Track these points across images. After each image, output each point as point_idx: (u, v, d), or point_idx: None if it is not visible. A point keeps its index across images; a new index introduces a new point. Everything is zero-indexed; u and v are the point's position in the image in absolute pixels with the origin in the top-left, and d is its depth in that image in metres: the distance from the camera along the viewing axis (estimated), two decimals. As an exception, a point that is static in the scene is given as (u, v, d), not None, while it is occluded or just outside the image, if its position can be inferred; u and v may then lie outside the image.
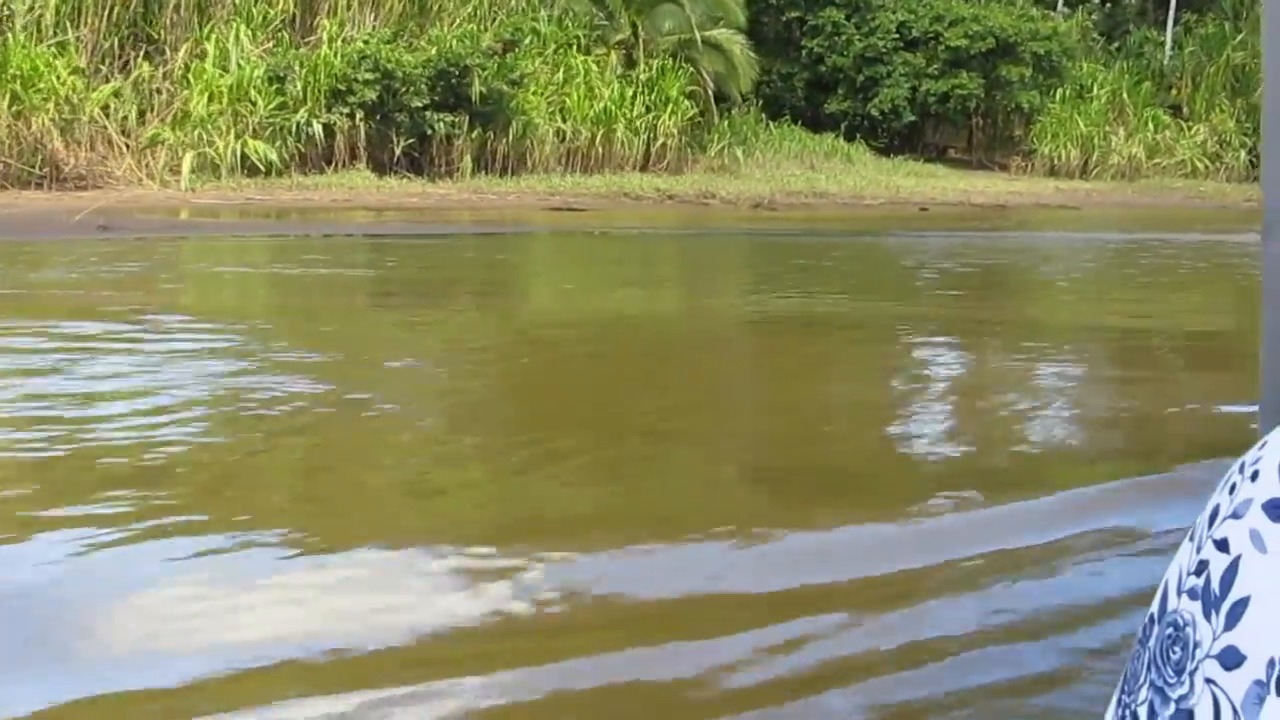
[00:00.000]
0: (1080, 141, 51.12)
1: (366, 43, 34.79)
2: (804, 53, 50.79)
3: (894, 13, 50.52)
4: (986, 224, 32.69)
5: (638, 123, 42.07)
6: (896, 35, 50.29)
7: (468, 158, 35.88)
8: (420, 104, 35.11)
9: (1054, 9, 58.77)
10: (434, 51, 35.60)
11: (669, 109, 42.41)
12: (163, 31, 34.23)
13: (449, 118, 35.53)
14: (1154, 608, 0.86)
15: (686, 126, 43.19)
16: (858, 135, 50.34)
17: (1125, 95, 52.23)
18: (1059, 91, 51.98)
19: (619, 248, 23.29)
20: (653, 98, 42.57)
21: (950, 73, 50.27)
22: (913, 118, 50.80)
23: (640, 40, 43.85)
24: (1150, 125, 51.91)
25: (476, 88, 35.74)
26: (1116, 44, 58.99)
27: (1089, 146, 51.22)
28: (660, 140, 42.34)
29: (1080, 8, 60.38)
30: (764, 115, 50.56)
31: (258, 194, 31.03)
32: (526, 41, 41.00)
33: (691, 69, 44.39)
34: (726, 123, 45.31)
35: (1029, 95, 50.94)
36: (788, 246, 23.65)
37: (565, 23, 42.55)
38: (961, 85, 49.84)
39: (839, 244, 24.36)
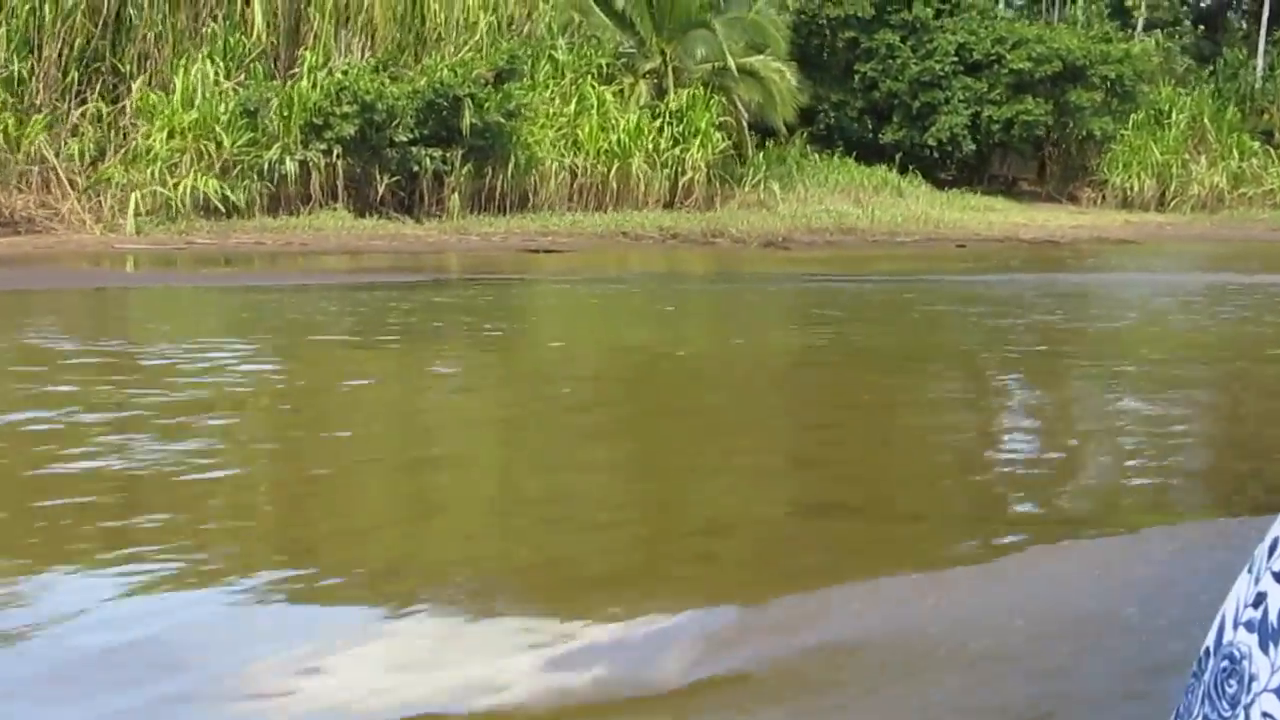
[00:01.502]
0: (1156, 171, 47.34)
1: (345, 73, 32.26)
2: (857, 78, 47.56)
3: (953, 34, 47.13)
4: (1018, 262, 29.38)
5: (664, 156, 39.22)
6: (955, 58, 46.91)
7: (456, 196, 33.23)
8: (406, 138, 32.53)
9: (1134, 32, 55.14)
10: (423, 82, 33.01)
11: (697, 141, 39.47)
12: (129, 64, 31.97)
13: (438, 153, 32.89)
14: (1209, 641, 0.84)
15: (718, 160, 40.21)
16: (913, 167, 47.00)
17: (1207, 120, 48.27)
18: (1133, 117, 48.27)
19: (536, 300, 20.38)
20: (681, 129, 39.67)
21: (1015, 98, 46.80)
22: (974, 147, 47.38)
23: (670, 68, 40.99)
24: (1236, 152, 47.93)
25: (467, 120, 33.08)
26: (1211, 69, 55.01)
27: (1166, 176, 47.41)
28: (689, 175, 39.43)
29: (1164, 30, 56.48)
30: (812, 147, 47.60)
31: (209, 238, 28.63)
32: (543, 70, 38.33)
33: (725, 99, 41.49)
34: (762, 155, 42.18)
35: (1101, 122, 47.29)
36: (756, 300, 20.63)
37: (586, 51, 39.81)
38: (1026, 111, 46.33)
39: (827, 292, 21.25)
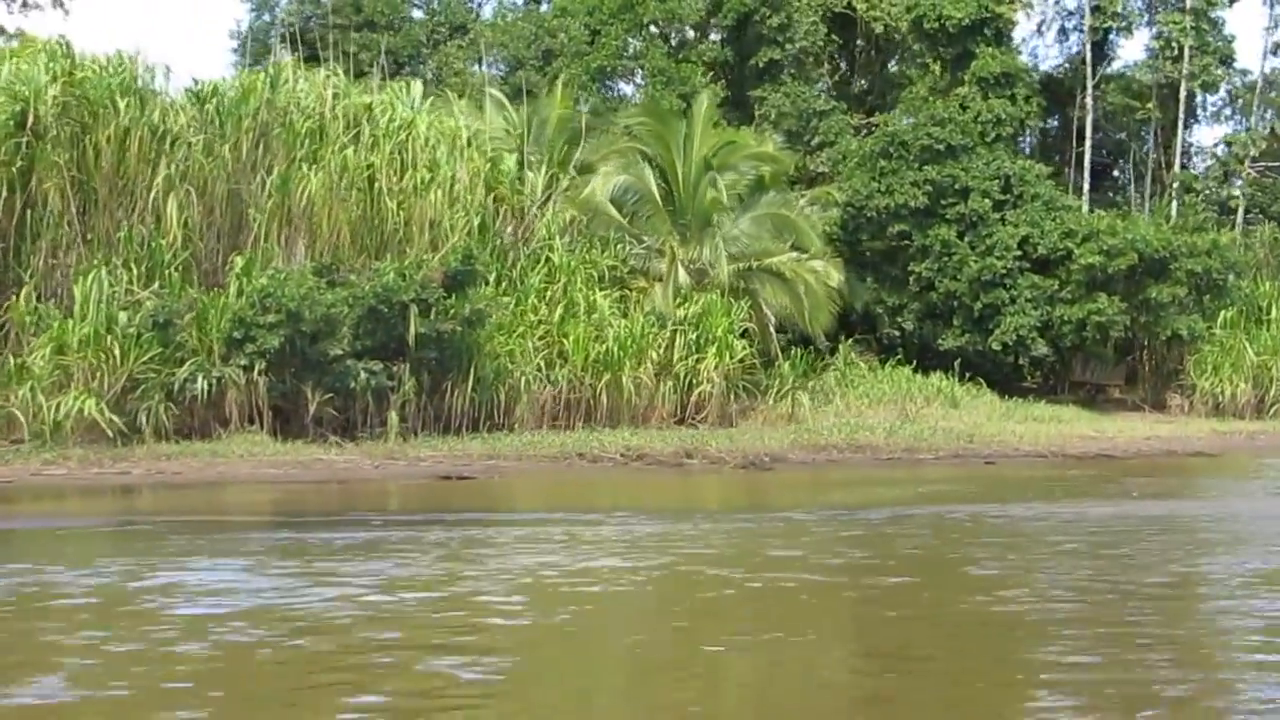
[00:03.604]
0: (1251, 373, 41.80)
1: (272, 278, 28.60)
2: (912, 279, 43.03)
3: (1015, 227, 42.46)
4: (1039, 485, 24.49)
5: (677, 367, 34.93)
6: (1019, 254, 42.18)
7: (393, 415, 29.07)
8: (340, 351, 28.66)
9: (1234, 222, 50.14)
10: (366, 287, 29.25)
11: (713, 350, 35.14)
12: (33, 275, 28.69)
13: (378, 366, 28.95)
14: None
15: (738, 371, 35.77)
16: (976, 375, 42.08)
17: (1311, 317, 42.79)
18: (1225, 315, 42.96)
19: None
20: (696, 337, 35.41)
21: (1088, 297, 41.83)
22: (1046, 351, 42.32)
23: (686, 270, 36.89)
24: (1345, 352, 42.28)
25: (414, 329, 29.16)
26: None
27: (1264, 379, 41.84)
28: (704, 386, 35.03)
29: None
30: (867, 354, 43.10)
31: (73, 466, 24.78)
32: (537, 273, 34.46)
33: (751, 302, 37.23)
34: (788, 365, 37.64)
35: (1188, 320, 42.02)
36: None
37: (588, 252, 35.91)
38: (1099, 310, 41.28)
39: (748, 536, 16.67)
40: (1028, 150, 53.77)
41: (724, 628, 11.19)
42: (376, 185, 32.21)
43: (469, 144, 34.70)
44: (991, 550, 15.67)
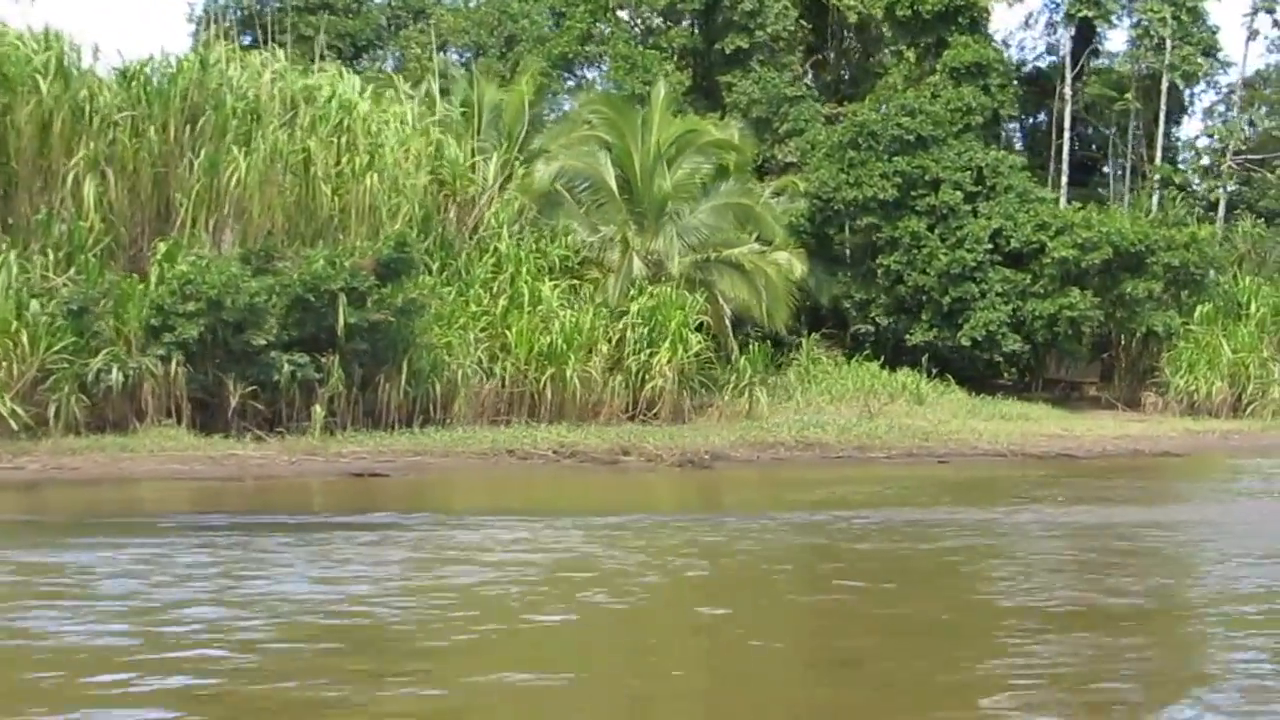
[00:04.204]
0: (1229, 371, 40.50)
1: (193, 265, 27.39)
2: (880, 272, 41.70)
3: (987, 220, 41.16)
4: (986, 486, 23.35)
5: (629, 361, 33.74)
6: (990, 247, 40.87)
7: (317, 409, 27.83)
8: (264, 341, 27.44)
9: (1216, 217, 48.89)
10: (294, 276, 28.04)
11: (665, 344, 33.89)
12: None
13: (304, 358, 27.73)
14: None
15: (693, 366, 34.50)
16: (949, 371, 40.85)
17: (1289, 312, 41.49)
18: (1201, 310, 41.65)
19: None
20: (649, 331, 34.16)
21: (1060, 291, 40.56)
22: (1016, 347, 40.98)
23: (633, 260, 35.62)
24: (1327, 349, 41.00)
25: (342, 319, 27.93)
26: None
27: (1241, 377, 40.54)
28: (655, 382, 33.80)
29: (1269, 220, 50.04)
30: (834, 349, 41.81)
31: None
32: (483, 264, 33.27)
33: (707, 295, 35.95)
34: (744, 360, 36.34)
35: (1164, 316, 40.76)
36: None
37: (535, 241, 34.71)
38: (1071, 305, 40.02)
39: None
40: (1018, 145, 52.76)
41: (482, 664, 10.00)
42: (312, 170, 30.95)
43: (413, 129, 33.46)
44: (838, 567, 14.51)
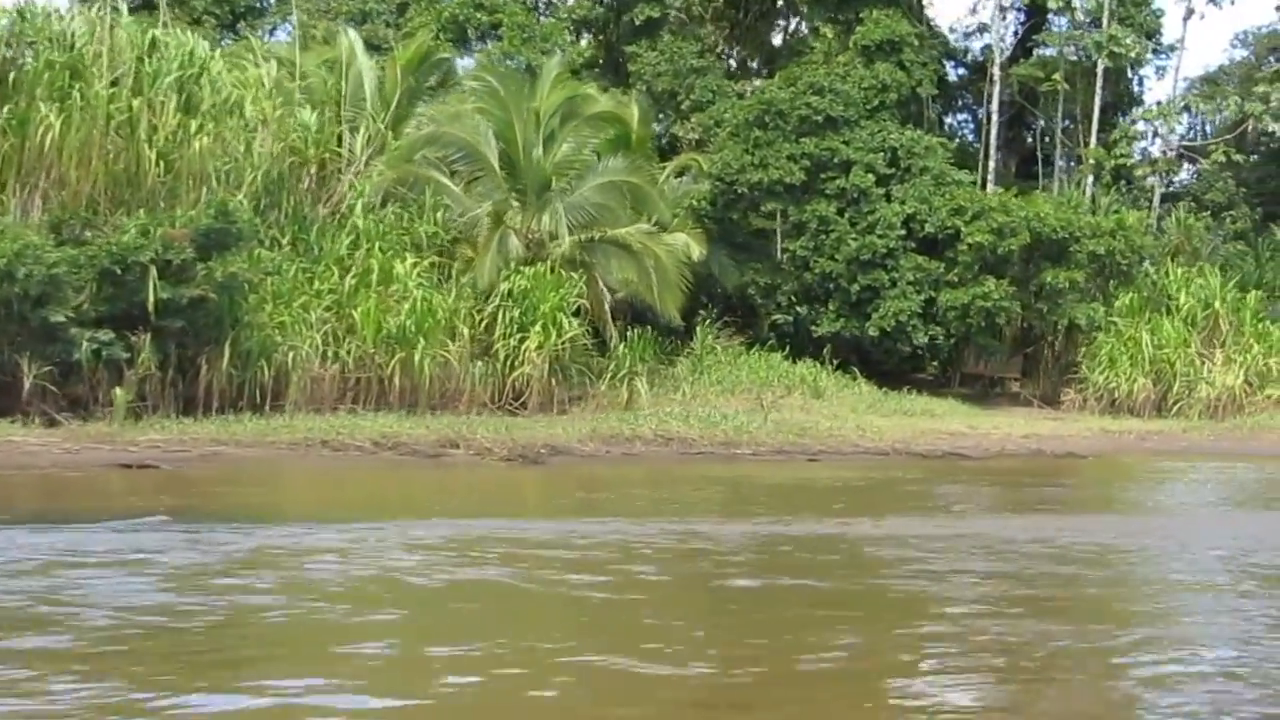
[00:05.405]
0: (1153, 368, 38.01)
1: (-19, 231, 24.80)
2: (786, 257, 39.17)
3: (901, 204, 38.68)
4: (819, 494, 20.89)
5: (496, 347, 31.24)
6: (903, 232, 38.40)
7: (119, 392, 25.18)
8: (63, 317, 24.82)
9: (1151, 207, 46.50)
10: (97, 246, 25.43)
11: (536, 329, 31.36)
12: None
13: (108, 335, 25.11)
14: None
15: (567, 352, 31.94)
16: (865, 363, 38.42)
17: (1219, 306, 38.97)
18: (1125, 301, 39.19)
19: None
20: (521, 314, 31.63)
21: (975, 280, 38.12)
22: (924, 339, 38.50)
23: (510, 238, 33.09)
24: (1255, 346, 38.53)
25: (153, 294, 25.32)
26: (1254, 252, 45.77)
27: (1166, 374, 38.07)
28: (524, 369, 31.28)
29: (1214, 214, 47.59)
30: (733, 337, 39.24)
31: None
32: (342, 240, 30.73)
33: (586, 277, 33.40)
34: (624, 348, 33.79)
35: (1087, 308, 38.33)
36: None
37: (401, 216, 32.21)
38: (985, 295, 37.58)
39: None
40: (969, 135, 50.59)
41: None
42: (137, 133, 28.31)
43: (259, 93, 30.87)
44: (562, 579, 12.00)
